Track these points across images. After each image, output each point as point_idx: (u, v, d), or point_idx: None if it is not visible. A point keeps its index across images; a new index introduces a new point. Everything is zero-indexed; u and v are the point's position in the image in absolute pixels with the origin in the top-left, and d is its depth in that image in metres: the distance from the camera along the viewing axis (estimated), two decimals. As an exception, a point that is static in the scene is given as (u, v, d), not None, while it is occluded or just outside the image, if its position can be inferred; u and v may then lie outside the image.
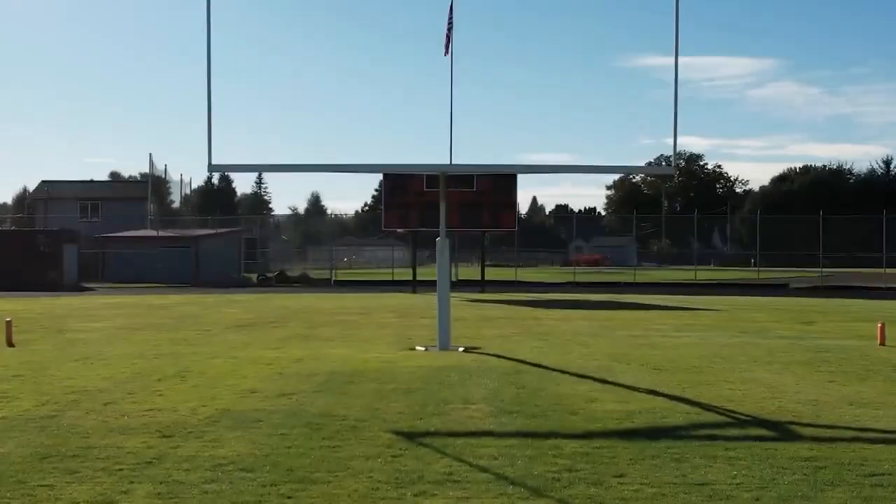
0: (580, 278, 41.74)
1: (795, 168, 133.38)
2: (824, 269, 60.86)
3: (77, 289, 36.95)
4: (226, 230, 41.57)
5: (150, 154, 78.76)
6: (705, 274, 42.66)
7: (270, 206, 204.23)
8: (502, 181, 31.30)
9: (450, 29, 39.96)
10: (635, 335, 15.37)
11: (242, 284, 38.37)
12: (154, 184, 51.98)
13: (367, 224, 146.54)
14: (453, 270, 40.25)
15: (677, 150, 13.62)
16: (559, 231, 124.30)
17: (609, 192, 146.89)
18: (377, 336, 14.94)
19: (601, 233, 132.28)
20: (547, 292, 34.41)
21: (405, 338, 14.66)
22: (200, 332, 15.86)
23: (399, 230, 33.19)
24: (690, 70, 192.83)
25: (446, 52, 39.75)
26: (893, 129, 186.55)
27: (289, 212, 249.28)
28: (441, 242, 12.90)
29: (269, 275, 41.22)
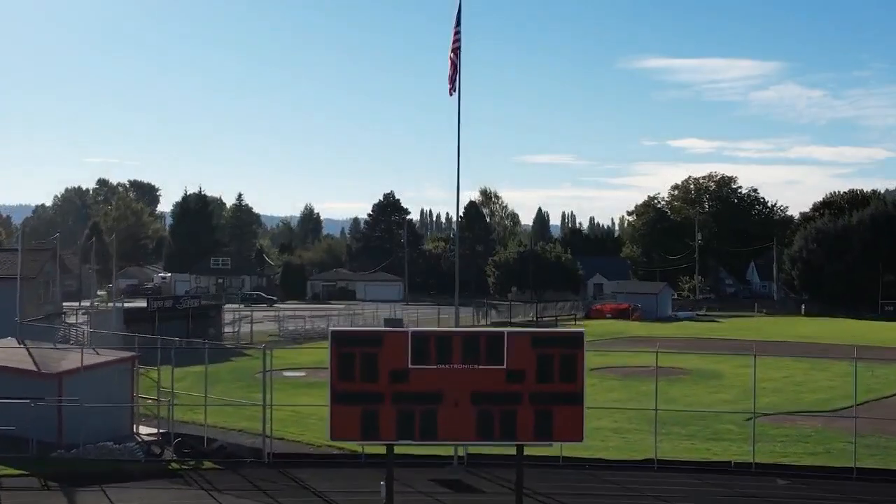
0: (662, 452, 25.21)
1: (839, 191, 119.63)
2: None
3: None
4: (109, 358, 26.91)
5: (20, 230, 62.83)
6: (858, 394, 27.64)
7: (260, 219, 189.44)
8: (560, 352, 16.60)
9: (455, 50, 25.47)
10: None
11: (131, 475, 23.40)
12: (28, 252, 37.26)
13: (359, 254, 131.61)
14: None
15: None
16: (576, 265, 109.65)
17: (631, 219, 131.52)
18: None
19: (622, 269, 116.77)
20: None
21: None
22: None
23: (357, 441, 18.40)
24: (693, 72, 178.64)
25: (452, 90, 25.30)
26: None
27: (281, 225, 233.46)
28: None
29: (173, 439, 26.29)
